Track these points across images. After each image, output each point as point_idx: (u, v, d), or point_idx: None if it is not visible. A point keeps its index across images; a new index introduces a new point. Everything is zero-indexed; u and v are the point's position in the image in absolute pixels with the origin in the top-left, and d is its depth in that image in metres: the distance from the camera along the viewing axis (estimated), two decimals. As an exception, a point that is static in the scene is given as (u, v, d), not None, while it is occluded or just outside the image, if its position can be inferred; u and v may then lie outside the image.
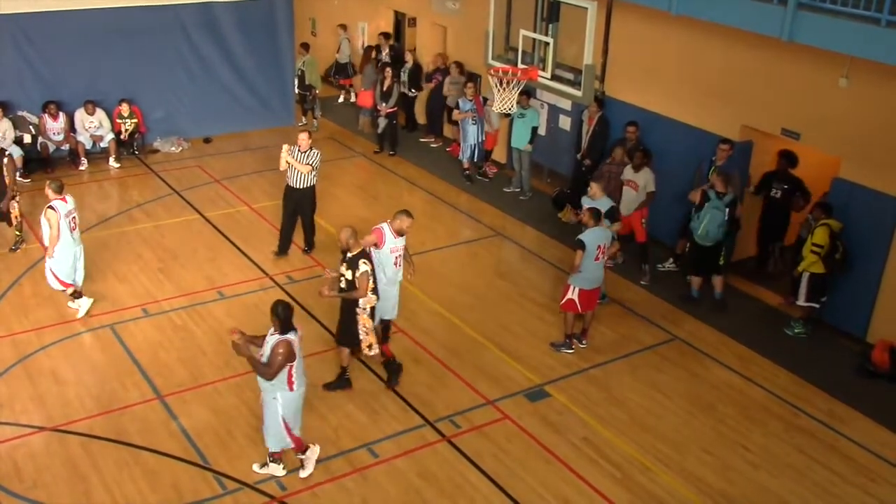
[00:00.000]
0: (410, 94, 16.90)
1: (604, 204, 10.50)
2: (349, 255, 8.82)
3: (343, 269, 8.86)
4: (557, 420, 9.03)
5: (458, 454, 8.49)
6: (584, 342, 10.28)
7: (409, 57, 16.87)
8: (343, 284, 8.88)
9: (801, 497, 8.12)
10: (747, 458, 8.61)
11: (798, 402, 9.48)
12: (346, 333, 9.18)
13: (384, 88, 15.97)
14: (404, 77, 16.71)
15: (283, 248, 12.14)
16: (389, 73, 16.01)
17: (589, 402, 9.35)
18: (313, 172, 11.65)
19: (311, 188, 11.81)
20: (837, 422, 9.18)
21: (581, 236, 9.80)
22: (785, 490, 8.20)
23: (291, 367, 7.48)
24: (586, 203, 10.59)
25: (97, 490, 7.81)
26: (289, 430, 7.80)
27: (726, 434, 8.94)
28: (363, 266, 8.73)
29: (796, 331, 10.71)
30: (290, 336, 7.42)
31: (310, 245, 12.30)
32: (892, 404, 9.43)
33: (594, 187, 10.63)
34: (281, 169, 11.71)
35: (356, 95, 18.54)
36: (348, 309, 9.04)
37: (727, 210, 10.66)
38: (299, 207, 11.91)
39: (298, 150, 11.51)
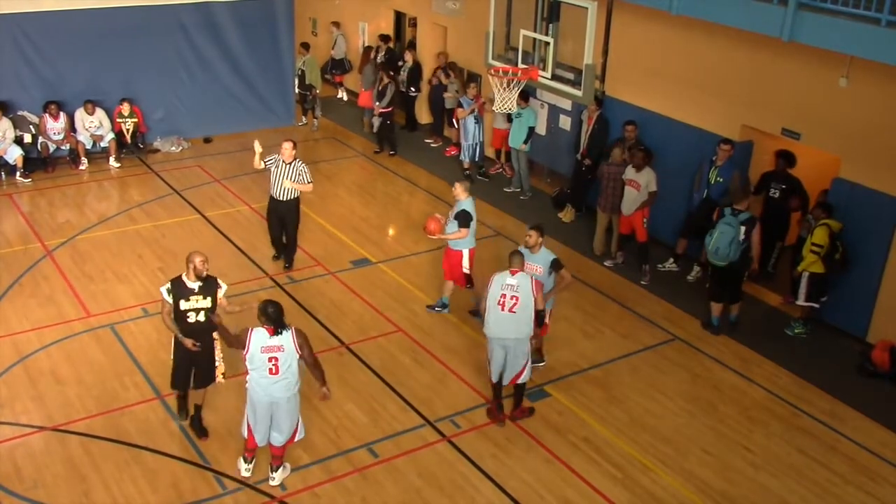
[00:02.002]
0: (411, 93, 16.94)
1: (465, 205, 10.21)
2: (203, 279, 8.03)
3: (196, 301, 8.02)
4: (558, 420, 9.03)
5: (459, 454, 8.48)
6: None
7: (408, 56, 16.87)
8: (200, 317, 8.06)
9: (802, 497, 8.12)
10: (748, 458, 8.60)
11: (798, 403, 9.48)
12: (209, 371, 8.33)
13: (379, 88, 15.99)
14: (403, 76, 16.74)
15: (280, 252, 11.93)
16: (382, 73, 16.09)
17: (589, 402, 9.35)
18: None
19: (297, 200, 11.34)
20: (838, 422, 9.18)
21: (555, 257, 9.24)
22: (785, 490, 8.19)
23: (245, 356, 7.50)
24: (461, 205, 10.15)
25: (97, 490, 7.81)
26: (248, 421, 7.77)
27: (727, 434, 8.94)
28: (224, 284, 8.25)
29: (797, 331, 10.71)
30: (255, 328, 7.46)
31: (290, 262, 11.82)
32: (892, 404, 9.43)
33: (458, 188, 10.24)
34: (255, 166, 11.13)
35: (346, 91, 18.93)
36: (210, 343, 8.22)
37: (742, 228, 10.08)
38: (284, 221, 11.45)
39: (283, 161, 10.96)
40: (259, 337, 7.39)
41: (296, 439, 7.90)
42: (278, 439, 7.77)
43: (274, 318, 7.38)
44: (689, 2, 10.40)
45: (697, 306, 11.14)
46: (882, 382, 9.77)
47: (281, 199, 11.23)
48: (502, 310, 8.43)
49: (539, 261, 9.16)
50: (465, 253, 10.42)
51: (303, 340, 7.52)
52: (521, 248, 9.09)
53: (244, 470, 7.96)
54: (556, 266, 9.16)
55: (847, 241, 10.23)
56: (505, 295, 8.42)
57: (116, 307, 10.75)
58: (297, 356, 7.53)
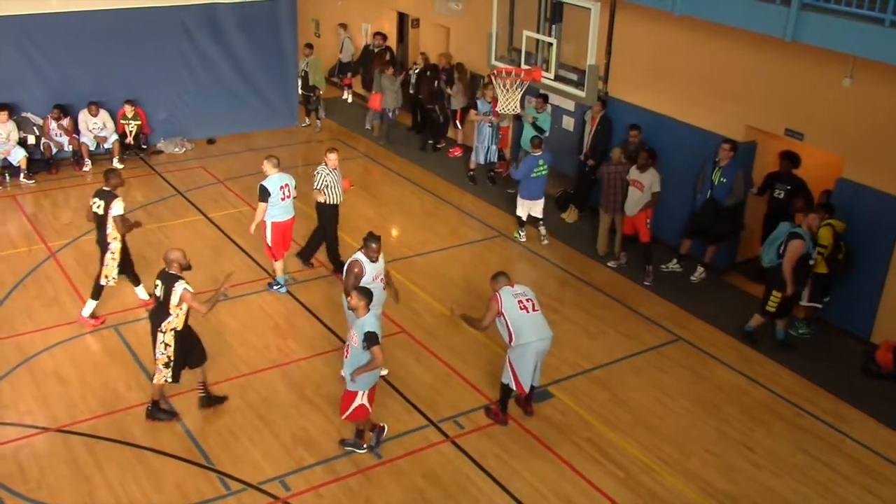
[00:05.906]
0: (419, 96, 16.99)
1: (264, 181, 10.61)
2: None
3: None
4: (561, 420, 9.03)
5: (462, 455, 8.49)
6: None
7: (420, 60, 16.87)
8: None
9: (805, 497, 8.11)
10: (751, 458, 8.60)
11: (802, 403, 9.47)
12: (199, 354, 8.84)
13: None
14: (412, 78, 16.81)
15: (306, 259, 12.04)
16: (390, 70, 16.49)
17: (592, 402, 9.35)
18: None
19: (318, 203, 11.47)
20: (841, 422, 9.17)
21: (372, 327, 7.69)
22: (789, 490, 8.19)
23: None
24: (263, 181, 10.53)
25: (101, 491, 7.83)
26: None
27: (730, 434, 8.93)
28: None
29: (800, 331, 10.70)
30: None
31: (308, 260, 12.05)
32: (896, 405, 9.44)
33: (264, 164, 10.70)
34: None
35: (353, 94, 19.18)
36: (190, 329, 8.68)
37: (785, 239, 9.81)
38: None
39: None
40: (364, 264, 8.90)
41: None
42: None
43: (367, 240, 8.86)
44: (692, 2, 10.41)
45: (701, 307, 11.14)
46: (886, 383, 9.75)
47: (338, 202, 11.70)
48: (528, 312, 8.43)
49: (357, 327, 7.80)
50: (268, 225, 10.78)
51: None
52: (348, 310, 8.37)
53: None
54: (368, 340, 7.66)
55: (851, 242, 10.22)
56: (521, 301, 8.45)
57: (120, 308, 10.76)
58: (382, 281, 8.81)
